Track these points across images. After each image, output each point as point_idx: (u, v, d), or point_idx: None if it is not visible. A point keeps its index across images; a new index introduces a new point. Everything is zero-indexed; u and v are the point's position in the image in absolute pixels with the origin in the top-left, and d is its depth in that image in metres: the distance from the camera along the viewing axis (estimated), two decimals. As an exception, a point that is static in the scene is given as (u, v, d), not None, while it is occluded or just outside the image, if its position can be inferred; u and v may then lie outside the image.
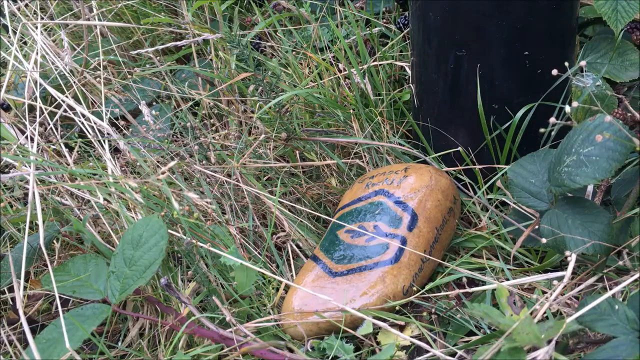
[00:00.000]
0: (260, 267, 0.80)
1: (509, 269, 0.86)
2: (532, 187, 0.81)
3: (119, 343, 0.85)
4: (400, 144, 1.04)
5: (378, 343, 0.78)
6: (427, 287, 0.82)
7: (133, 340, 0.84)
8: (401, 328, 0.80)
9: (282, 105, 1.04)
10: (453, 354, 0.74)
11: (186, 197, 0.88)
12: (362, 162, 1.04)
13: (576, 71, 1.04)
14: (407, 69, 1.13)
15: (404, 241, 0.84)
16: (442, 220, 0.89)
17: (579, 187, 0.73)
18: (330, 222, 0.92)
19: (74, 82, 1.07)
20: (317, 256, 0.87)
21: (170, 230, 0.82)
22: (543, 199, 0.80)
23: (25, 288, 0.86)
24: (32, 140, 0.96)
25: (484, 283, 0.85)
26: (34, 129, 0.95)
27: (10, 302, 0.86)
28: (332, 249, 0.87)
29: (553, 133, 0.92)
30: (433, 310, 0.82)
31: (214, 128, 1.14)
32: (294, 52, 1.20)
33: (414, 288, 0.82)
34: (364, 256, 0.84)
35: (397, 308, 0.80)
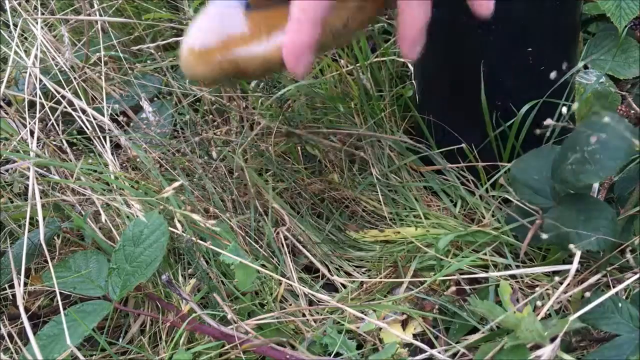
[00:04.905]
0: (261, 263, 0.80)
1: (511, 266, 0.85)
2: (536, 184, 0.81)
3: (120, 339, 0.85)
4: (402, 141, 1.03)
5: (381, 341, 0.78)
6: (428, 282, 0.82)
7: (134, 336, 0.84)
8: (403, 323, 0.80)
9: (285, 101, 1.04)
10: (455, 352, 0.74)
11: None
12: (365, 156, 1.03)
13: (580, 68, 1.03)
14: (409, 65, 1.12)
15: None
16: None
17: (583, 185, 0.72)
18: None
19: (75, 77, 1.06)
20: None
21: (170, 228, 0.82)
22: (546, 196, 0.80)
23: (25, 284, 0.86)
24: (32, 134, 0.95)
25: (486, 280, 0.84)
26: (34, 123, 0.95)
27: (11, 299, 0.86)
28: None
29: (557, 129, 0.91)
30: (435, 306, 0.81)
31: (215, 124, 1.14)
32: (295, 48, 1.20)
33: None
34: None
35: (399, 304, 0.79)
